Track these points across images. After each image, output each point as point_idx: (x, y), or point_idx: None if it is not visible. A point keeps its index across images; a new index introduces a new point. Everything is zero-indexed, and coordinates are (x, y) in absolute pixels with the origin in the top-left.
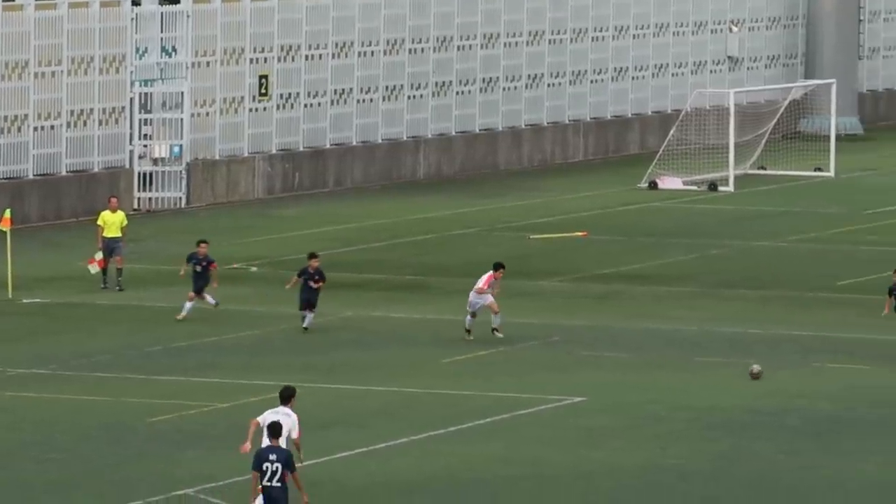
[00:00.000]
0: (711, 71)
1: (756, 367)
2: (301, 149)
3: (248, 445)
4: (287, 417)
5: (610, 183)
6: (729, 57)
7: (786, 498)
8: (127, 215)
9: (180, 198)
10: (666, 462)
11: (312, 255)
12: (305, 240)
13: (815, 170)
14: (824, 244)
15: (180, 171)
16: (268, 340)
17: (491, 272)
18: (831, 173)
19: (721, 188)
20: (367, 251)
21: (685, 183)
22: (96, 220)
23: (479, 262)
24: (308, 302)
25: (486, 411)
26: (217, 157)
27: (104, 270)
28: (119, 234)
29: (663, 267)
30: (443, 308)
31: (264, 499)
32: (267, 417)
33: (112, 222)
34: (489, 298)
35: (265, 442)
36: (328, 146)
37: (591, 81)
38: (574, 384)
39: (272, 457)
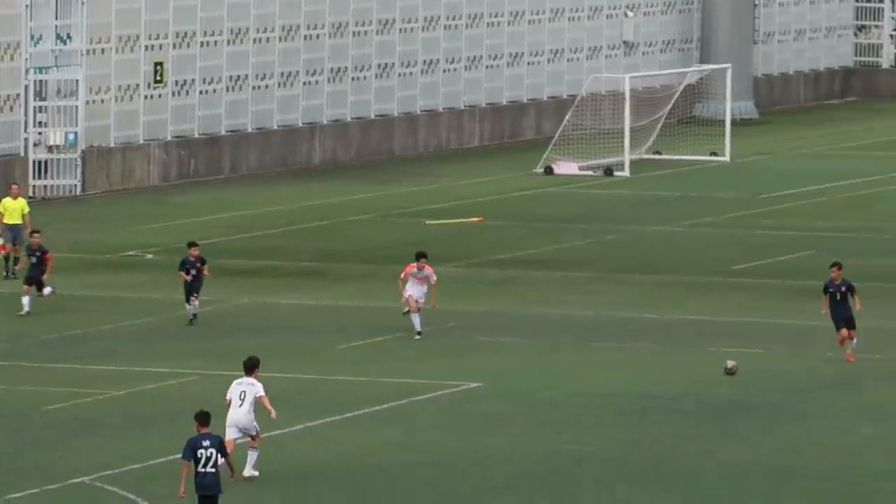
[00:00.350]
0: (607, 56)
1: (731, 363)
2: (196, 136)
3: (273, 413)
4: (251, 387)
5: (506, 168)
6: (624, 42)
7: (683, 482)
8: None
9: (75, 185)
10: (562, 447)
11: (192, 244)
12: (201, 227)
13: (710, 154)
14: (720, 229)
15: (75, 159)
16: (163, 328)
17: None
18: (727, 158)
19: (617, 173)
20: (262, 238)
21: (581, 168)
22: None
23: (374, 249)
24: (194, 290)
25: (383, 397)
26: (112, 145)
27: (6, 257)
28: (20, 221)
29: (559, 252)
30: (338, 294)
31: (199, 485)
32: (234, 389)
33: (13, 209)
34: (420, 290)
35: (198, 430)
36: (223, 133)
37: (487, 67)
38: (470, 370)
39: (205, 443)
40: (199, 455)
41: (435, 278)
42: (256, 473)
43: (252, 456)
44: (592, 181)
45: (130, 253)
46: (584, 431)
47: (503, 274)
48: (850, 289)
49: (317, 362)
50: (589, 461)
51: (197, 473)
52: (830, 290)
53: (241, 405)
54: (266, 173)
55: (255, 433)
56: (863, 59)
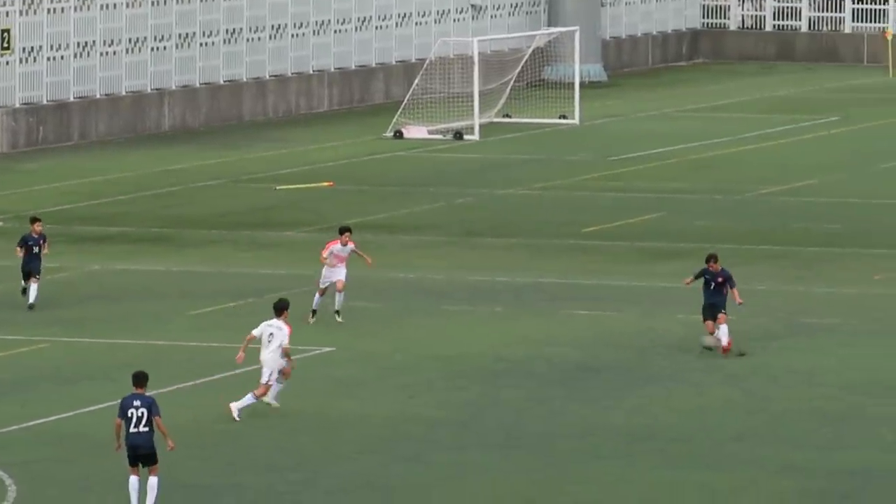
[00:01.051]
0: (455, 20)
1: (709, 340)
2: (45, 102)
3: (241, 355)
4: (279, 331)
5: (355, 133)
6: (472, 5)
7: (535, 444)
8: None
9: None
10: (413, 410)
11: (35, 219)
12: (51, 193)
13: (559, 117)
14: (569, 191)
15: None
16: (14, 295)
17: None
18: (576, 121)
19: (466, 137)
20: (112, 204)
21: (430, 132)
22: None
23: (225, 213)
24: (35, 270)
25: (234, 363)
26: None
27: None
28: None
29: (410, 216)
30: (189, 260)
31: (130, 446)
32: (262, 329)
33: None
34: (342, 272)
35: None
36: (72, 99)
37: (335, 32)
38: (322, 334)
39: (136, 402)
40: (129, 414)
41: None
42: (277, 405)
43: (275, 388)
44: (442, 145)
45: None
46: (436, 395)
47: (354, 238)
48: (729, 280)
49: (167, 329)
50: (440, 425)
51: (129, 434)
52: (706, 276)
53: (268, 346)
54: (115, 139)
55: (287, 370)
56: (710, 20)
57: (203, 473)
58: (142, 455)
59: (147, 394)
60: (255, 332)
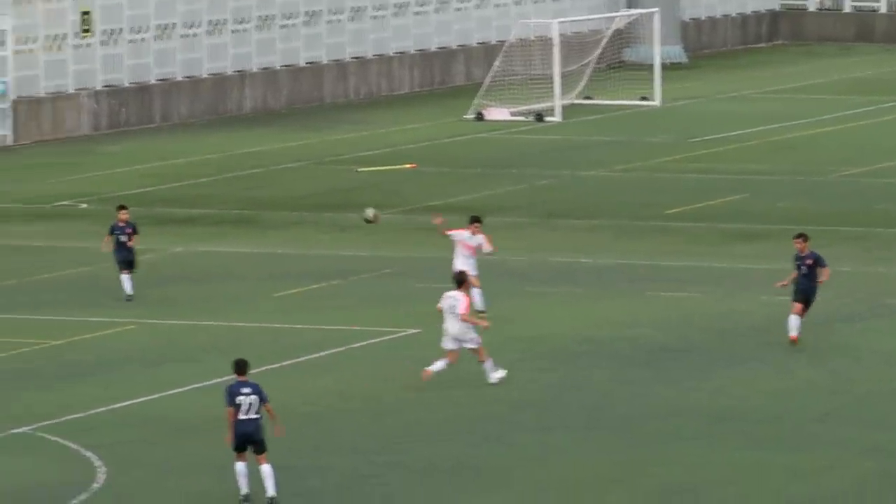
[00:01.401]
0: (535, 1)
1: (370, 212)
2: (126, 85)
3: (485, 323)
4: (456, 301)
5: (436, 115)
6: None
7: (618, 426)
8: None
9: (6, 135)
10: (498, 393)
11: (121, 207)
12: (132, 176)
13: (640, 99)
14: (650, 173)
15: (5, 109)
16: (99, 277)
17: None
18: (657, 102)
19: (548, 118)
20: (195, 186)
21: (512, 114)
22: None
23: (306, 195)
24: (126, 262)
25: (320, 345)
26: (42, 94)
27: None
28: None
29: (492, 198)
30: (271, 242)
31: (240, 433)
32: (444, 300)
33: None
34: (469, 263)
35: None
36: (153, 82)
37: (415, 13)
38: (408, 316)
39: (245, 390)
40: (237, 402)
41: (489, 247)
42: (502, 374)
43: (488, 364)
44: (524, 127)
45: (64, 203)
46: (520, 376)
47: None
48: (819, 261)
49: (252, 310)
50: (524, 406)
51: (239, 421)
52: (796, 261)
53: (453, 317)
54: (197, 122)
55: (474, 346)
56: (789, 2)
57: (289, 455)
58: (253, 442)
59: (250, 381)
60: (440, 305)
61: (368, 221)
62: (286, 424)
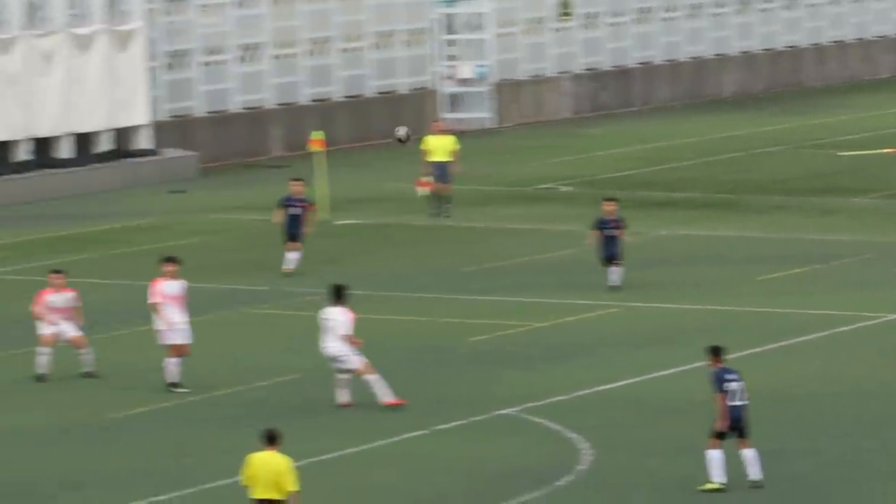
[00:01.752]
0: None
1: (402, 131)
2: (606, 68)
3: None
4: None
5: None
6: None
7: None
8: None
9: (488, 118)
10: None
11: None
12: (613, 159)
13: None
14: None
15: (487, 92)
16: (582, 259)
17: None
18: None
19: None
20: (675, 170)
21: None
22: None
23: (786, 179)
24: (611, 256)
25: (805, 328)
26: (522, 78)
27: (434, 195)
28: (447, 159)
29: None
30: (752, 225)
31: (733, 419)
32: None
33: (437, 146)
34: None
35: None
36: (633, 65)
37: None
38: (890, 301)
39: (731, 376)
40: (725, 388)
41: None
42: None
43: None
44: None
45: (546, 185)
46: None
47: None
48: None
49: (736, 294)
50: None
51: (730, 408)
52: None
53: None
54: (676, 105)
55: None
56: None
57: (777, 439)
58: (741, 427)
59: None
60: None
61: (401, 141)
62: (772, 408)
